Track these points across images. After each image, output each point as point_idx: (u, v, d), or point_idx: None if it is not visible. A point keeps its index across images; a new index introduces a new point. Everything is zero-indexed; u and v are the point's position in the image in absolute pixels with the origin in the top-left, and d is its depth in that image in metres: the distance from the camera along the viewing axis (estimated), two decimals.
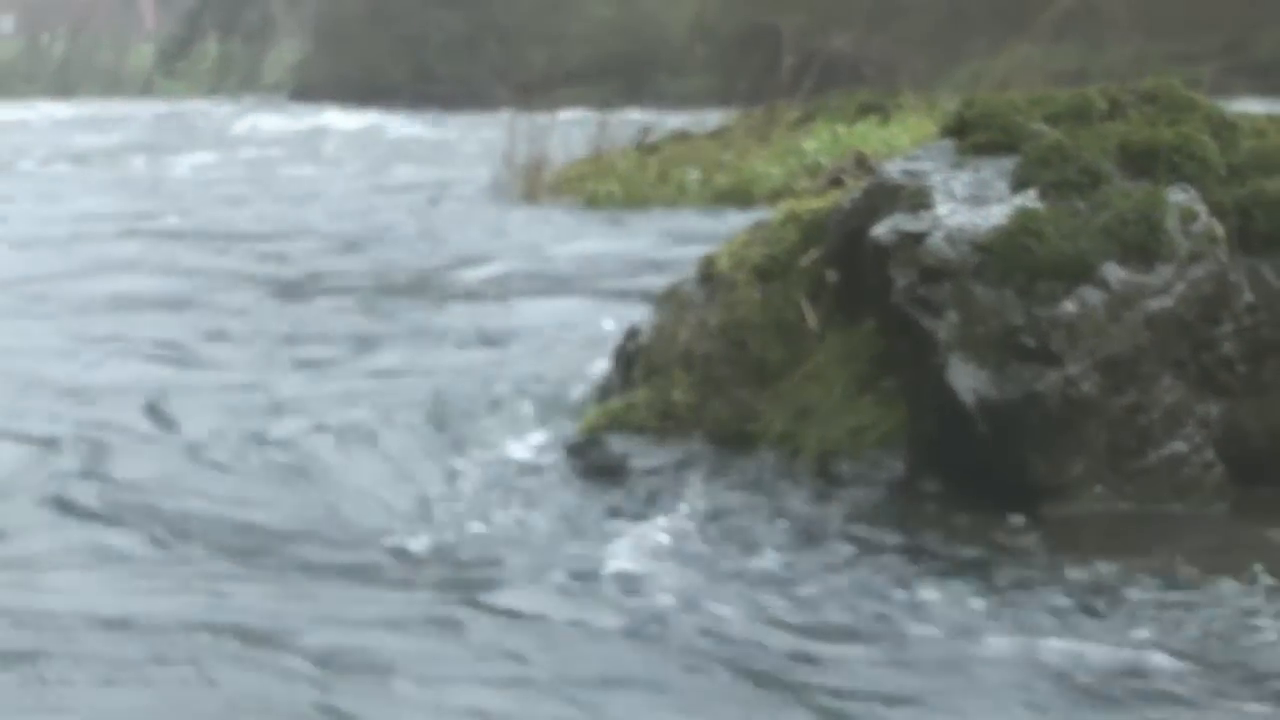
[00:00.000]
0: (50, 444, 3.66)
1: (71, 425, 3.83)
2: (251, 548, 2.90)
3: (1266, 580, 2.48)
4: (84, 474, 3.41)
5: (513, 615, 2.51)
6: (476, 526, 2.90)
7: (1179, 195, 2.89)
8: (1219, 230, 2.88)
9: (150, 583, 2.72)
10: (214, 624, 2.48)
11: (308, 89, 39.56)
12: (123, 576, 2.75)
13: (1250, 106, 3.31)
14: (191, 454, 3.54)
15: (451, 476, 3.22)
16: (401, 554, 2.79)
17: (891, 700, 2.17)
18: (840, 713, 2.15)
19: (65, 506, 3.17)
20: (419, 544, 2.83)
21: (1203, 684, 2.16)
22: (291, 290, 6.34)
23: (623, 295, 5.30)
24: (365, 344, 4.85)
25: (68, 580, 2.76)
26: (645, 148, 10.59)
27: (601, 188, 9.59)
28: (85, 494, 3.25)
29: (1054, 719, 2.12)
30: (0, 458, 3.54)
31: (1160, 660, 2.23)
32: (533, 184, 10.22)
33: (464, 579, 2.66)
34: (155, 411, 3.97)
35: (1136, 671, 2.21)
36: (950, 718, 2.15)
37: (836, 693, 2.19)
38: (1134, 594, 2.46)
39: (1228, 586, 2.47)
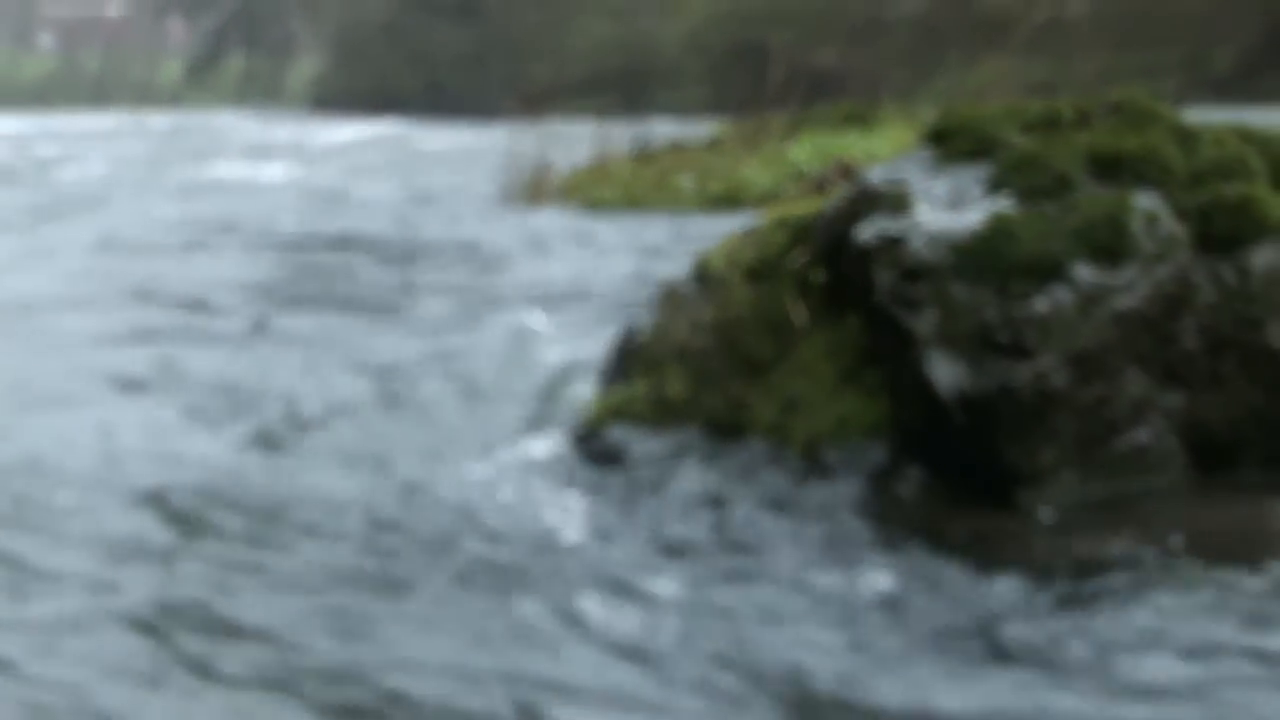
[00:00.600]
0: None
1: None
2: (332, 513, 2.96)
3: (1225, 556, 2.48)
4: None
5: (523, 572, 2.58)
6: (494, 506, 2.92)
7: (1143, 200, 2.90)
8: (1181, 233, 2.89)
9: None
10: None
11: (326, 101, 39.69)
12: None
13: (1210, 116, 3.33)
14: (250, 440, 3.53)
15: (472, 461, 3.24)
16: (433, 517, 2.85)
17: (844, 653, 2.22)
18: (792, 659, 2.21)
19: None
20: (440, 520, 2.86)
21: (1160, 657, 2.15)
22: (330, 289, 6.39)
23: (622, 293, 5.30)
24: (393, 341, 4.85)
25: None
26: (643, 156, 10.60)
27: (602, 193, 9.62)
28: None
29: (1008, 689, 2.13)
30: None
31: (1114, 633, 2.24)
32: (538, 189, 10.24)
33: (482, 547, 2.70)
34: (224, 396, 4.00)
35: (1096, 644, 2.21)
36: (904, 683, 2.17)
37: (797, 643, 2.26)
38: (1100, 573, 2.45)
39: (1190, 566, 2.46)
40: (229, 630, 2.40)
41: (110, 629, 2.39)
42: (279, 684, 2.20)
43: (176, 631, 2.38)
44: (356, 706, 2.16)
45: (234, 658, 2.29)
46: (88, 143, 21.53)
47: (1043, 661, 2.20)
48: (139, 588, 2.59)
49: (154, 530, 2.90)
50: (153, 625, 2.40)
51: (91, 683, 2.19)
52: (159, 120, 32.69)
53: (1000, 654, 2.24)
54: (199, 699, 2.13)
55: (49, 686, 2.17)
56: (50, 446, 3.57)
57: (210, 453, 3.49)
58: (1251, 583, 2.39)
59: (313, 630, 2.39)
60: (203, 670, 2.22)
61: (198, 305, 6.34)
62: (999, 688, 2.14)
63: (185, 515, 3.00)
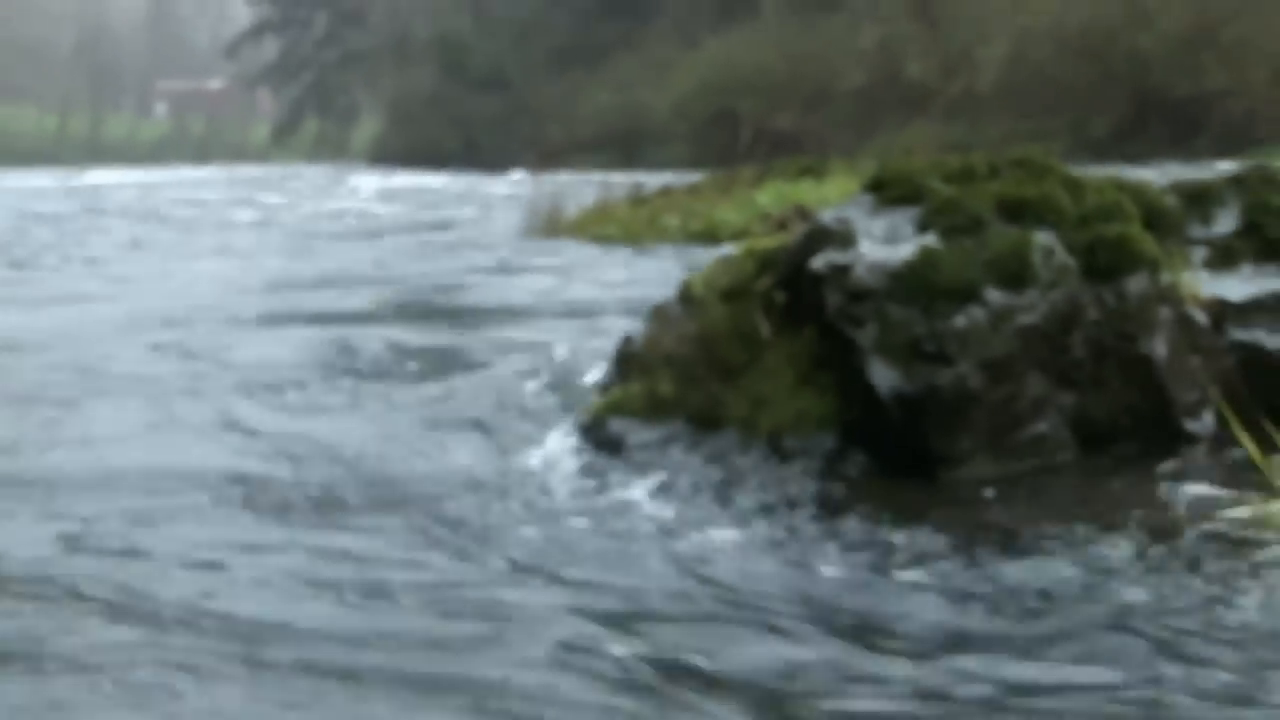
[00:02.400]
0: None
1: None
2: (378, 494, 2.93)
3: (1107, 523, 2.45)
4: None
5: (541, 535, 2.58)
6: (520, 481, 2.91)
7: (1042, 237, 2.89)
8: (1071, 264, 2.88)
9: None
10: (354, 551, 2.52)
11: (383, 157, 39.78)
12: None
13: (1090, 172, 3.35)
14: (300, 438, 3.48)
15: (500, 449, 3.22)
16: (463, 495, 2.84)
17: (793, 602, 2.19)
18: (749, 585, 2.25)
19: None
20: (464, 497, 2.83)
21: (1055, 611, 2.13)
22: (388, 303, 6.38)
23: (621, 310, 5.28)
24: (431, 351, 4.83)
25: None
26: (637, 200, 10.61)
27: (604, 230, 9.63)
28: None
29: (917, 608, 2.14)
30: None
31: (1011, 579, 2.23)
32: (553, 226, 10.25)
33: (512, 509, 2.70)
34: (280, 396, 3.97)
35: (1008, 594, 2.19)
36: (841, 601, 2.18)
37: (753, 576, 2.29)
38: (1007, 537, 2.43)
39: (1079, 529, 2.45)
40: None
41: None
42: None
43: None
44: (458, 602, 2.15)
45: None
46: (198, 188, 21.56)
47: (947, 592, 2.21)
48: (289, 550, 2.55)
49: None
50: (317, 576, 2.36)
51: None
52: (251, 172, 32.80)
53: (918, 585, 2.25)
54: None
55: None
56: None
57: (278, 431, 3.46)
58: (1124, 544, 2.37)
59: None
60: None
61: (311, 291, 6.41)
62: (909, 605, 2.17)
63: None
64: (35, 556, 2.49)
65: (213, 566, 2.43)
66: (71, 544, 2.59)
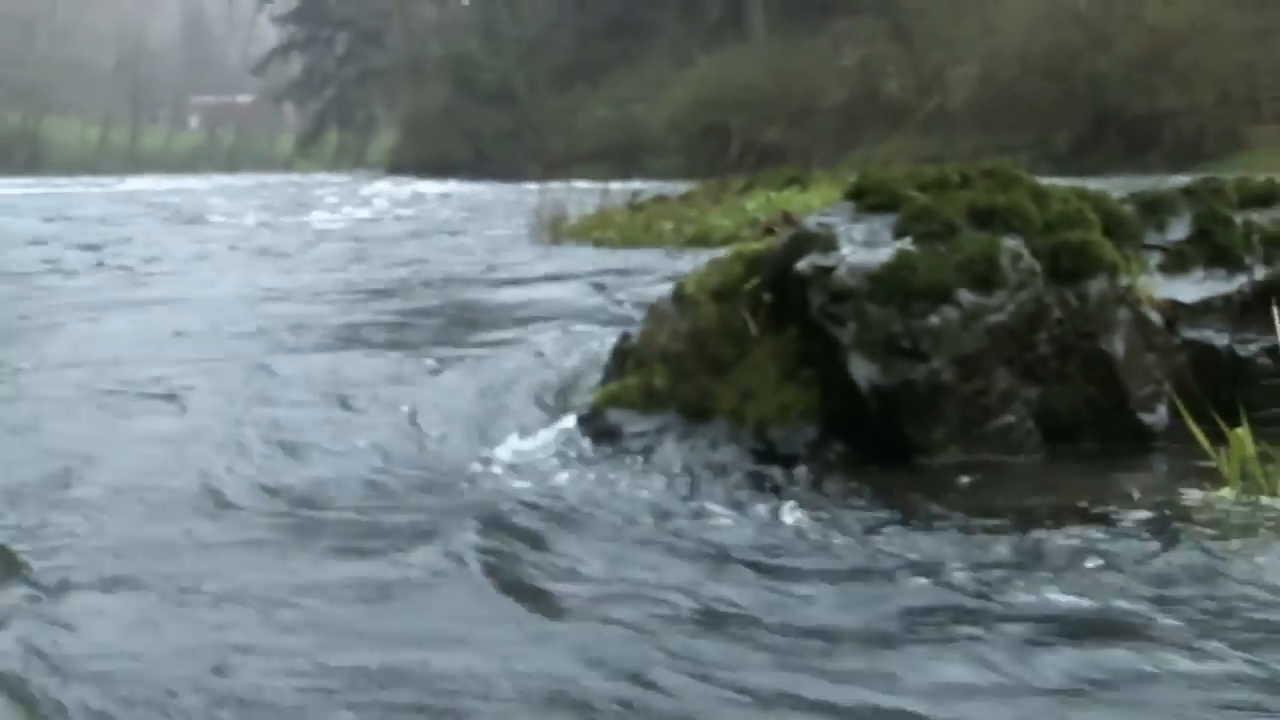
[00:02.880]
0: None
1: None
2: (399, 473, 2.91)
3: (1068, 507, 2.45)
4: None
5: (542, 510, 2.56)
6: (525, 467, 2.89)
7: (1010, 242, 2.87)
8: (1037, 267, 2.86)
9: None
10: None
11: (399, 166, 39.79)
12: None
13: (1054, 182, 3.35)
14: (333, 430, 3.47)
15: (507, 435, 3.19)
16: (478, 477, 2.83)
17: (775, 573, 2.19)
18: (731, 557, 2.24)
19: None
20: (474, 482, 2.82)
21: (1014, 587, 2.10)
22: (404, 300, 6.36)
23: (619, 308, 5.27)
24: (446, 346, 4.81)
25: None
26: (634, 207, 10.59)
27: (604, 234, 9.61)
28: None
29: (891, 590, 2.12)
30: None
31: (979, 556, 2.21)
32: (556, 231, 10.23)
33: (514, 496, 2.66)
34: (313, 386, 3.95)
35: (965, 563, 2.19)
36: (811, 572, 2.18)
37: (739, 565, 2.25)
38: (975, 519, 2.42)
39: (1040, 511, 2.44)
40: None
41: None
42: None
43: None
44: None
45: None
46: (233, 196, 21.50)
47: (915, 568, 2.20)
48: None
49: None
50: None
51: None
52: (278, 180, 32.78)
53: (891, 561, 2.24)
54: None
55: None
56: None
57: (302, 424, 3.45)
58: (1082, 526, 2.36)
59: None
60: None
61: (323, 297, 6.41)
62: (878, 578, 2.16)
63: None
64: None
65: (254, 542, 2.42)
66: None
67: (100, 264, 9.71)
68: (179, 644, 1.92)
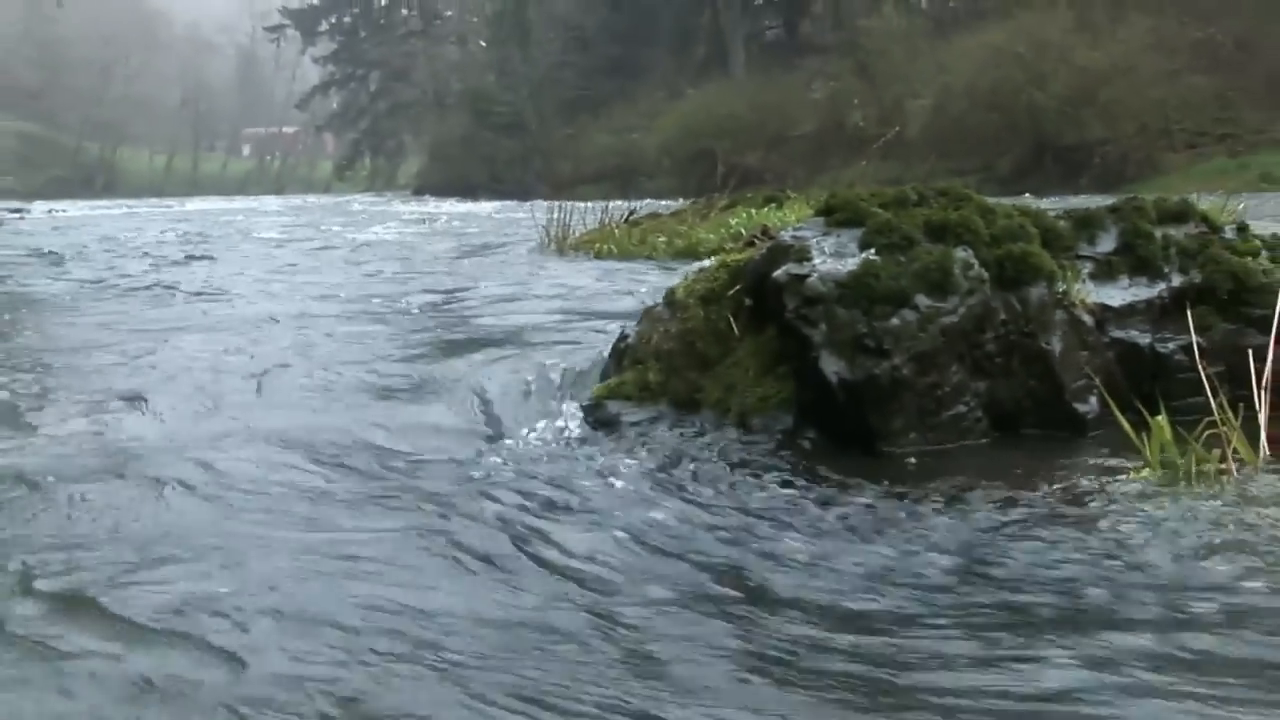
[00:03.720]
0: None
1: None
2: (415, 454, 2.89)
3: (1010, 486, 2.44)
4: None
5: (551, 483, 2.55)
6: (529, 451, 2.86)
7: (961, 253, 2.85)
8: (985, 275, 2.84)
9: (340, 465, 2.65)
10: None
11: (424, 188, 39.73)
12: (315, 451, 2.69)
13: (998, 201, 3.34)
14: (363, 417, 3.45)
15: (518, 424, 3.18)
16: (485, 465, 2.78)
17: (750, 544, 2.17)
18: (712, 529, 2.22)
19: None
20: (494, 460, 2.80)
21: (960, 555, 2.09)
22: (428, 303, 6.32)
23: (617, 311, 5.25)
24: (463, 345, 4.79)
25: None
26: (631, 223, 10.55)
27: (604, 247, 9.57)
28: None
29: (856, 551, 2.11)
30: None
31: (937, 536, 2.19)
32: (562, 243, 10.19)
33: (519, 480, 2.63)
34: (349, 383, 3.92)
35: (926, 540, 2.17)
36: (785, 543, 2.16)
37: (719, 536, 2.23)
38: (930, 496, 2.41)
39: (986, 490, 2.43)
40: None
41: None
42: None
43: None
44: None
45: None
46: (283, 214, 21.42)
47: (874, 537, 2.19)
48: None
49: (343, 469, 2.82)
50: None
51: None
52: (318, 200, 32.70)
53: (854, 533, 2.23)
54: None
55: None
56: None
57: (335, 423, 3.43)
58: (1024, 503, 2.35)
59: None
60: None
61: (366, 296, 6.42)
62: (843, 547, 2.14)
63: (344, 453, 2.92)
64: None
65: (276, 509, 2.40)
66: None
67: (190, 260, 10.21)
68: (287, 555, 1.91)
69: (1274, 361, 2.63)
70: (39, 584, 2.02)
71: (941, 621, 1.80)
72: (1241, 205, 4.00)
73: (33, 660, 1.72)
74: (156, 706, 1.58)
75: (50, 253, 11.55)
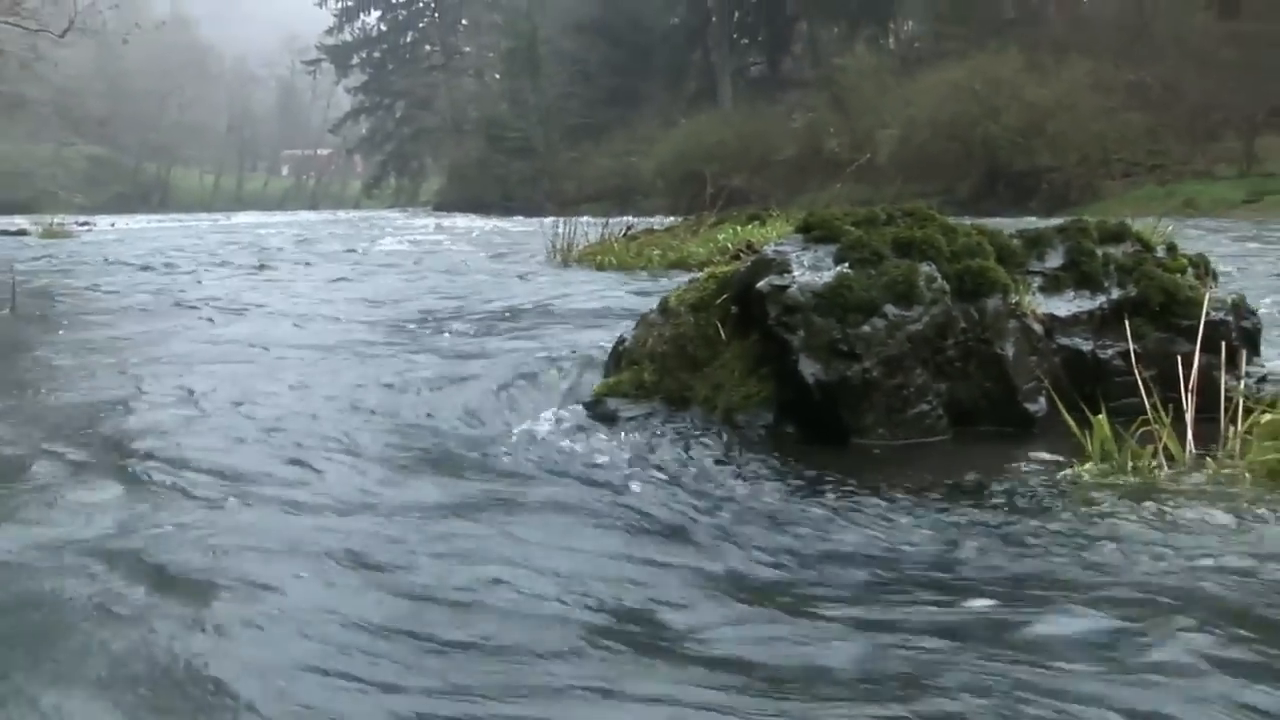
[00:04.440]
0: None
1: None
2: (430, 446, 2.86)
3: (967, 477, 2.43)
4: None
5: (553, 479, 2.51)
6: (538, 441, 2.86)
7: (925, 268, 2.84)
8: (946, 287, 2.83)
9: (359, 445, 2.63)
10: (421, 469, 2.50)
11: (443, 205, 39.65)
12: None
13: (958, 221, 3.33)
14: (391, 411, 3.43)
15: (525, 418, 3.16)
16: (499, 452, 2.78)
17: (731, 526, 2.15)
18: (700, 510, 2.19)
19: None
20: (504, 447, 2.79)
21: (921, 540, 2.09)
22: (443, 309, 6.31)
23: (615, 316, 5.23)
24: (476, 346, 4.76)
25: None
26: (628, 238, 10.52)
27: (604, 259, 9.53)
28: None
29: (831, 527, 2.11)
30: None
31: (900, 519, 2.18)
32: (566, 256, 10.16)
33: (529, 466, 2.63)
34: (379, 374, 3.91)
35: (889, 522, 2.16)
36: (769, 523, 2.15)
37: (705, 519, 2.22)
38: (896, 486, 2.40)
39: (946, 481, 2.42)
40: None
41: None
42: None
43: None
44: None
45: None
46: (318, 226, 21.35)
47: (843, 524, 2.17)
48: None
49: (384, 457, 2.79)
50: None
51: None
52: (348, 215, 32.71)
53: (827, 517, 2.22)
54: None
55: None
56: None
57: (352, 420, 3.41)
58: (979, 491, 2.34)
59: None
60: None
61: (391, 299, 6.43)
62: (817, 531, 2.14)
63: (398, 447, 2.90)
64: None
65: (297, 482, 2.39)
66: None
67: (261, 265, 10.33)
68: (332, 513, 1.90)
69: (1199, 367, 2.64)
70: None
71: (904, 594, 1.79)
72: (1170, 228, 4.00)
73: None
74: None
75: (116, 261, 11.54)
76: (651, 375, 3.01)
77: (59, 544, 2.03)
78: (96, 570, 1.90)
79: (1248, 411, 2.45)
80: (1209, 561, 1.86)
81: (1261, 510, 2.10)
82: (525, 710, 1.43)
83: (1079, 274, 3.15)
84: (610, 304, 6.32)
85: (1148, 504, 2.17)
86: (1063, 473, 2.43)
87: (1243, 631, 1.56)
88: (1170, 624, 1.59)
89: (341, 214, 36.64)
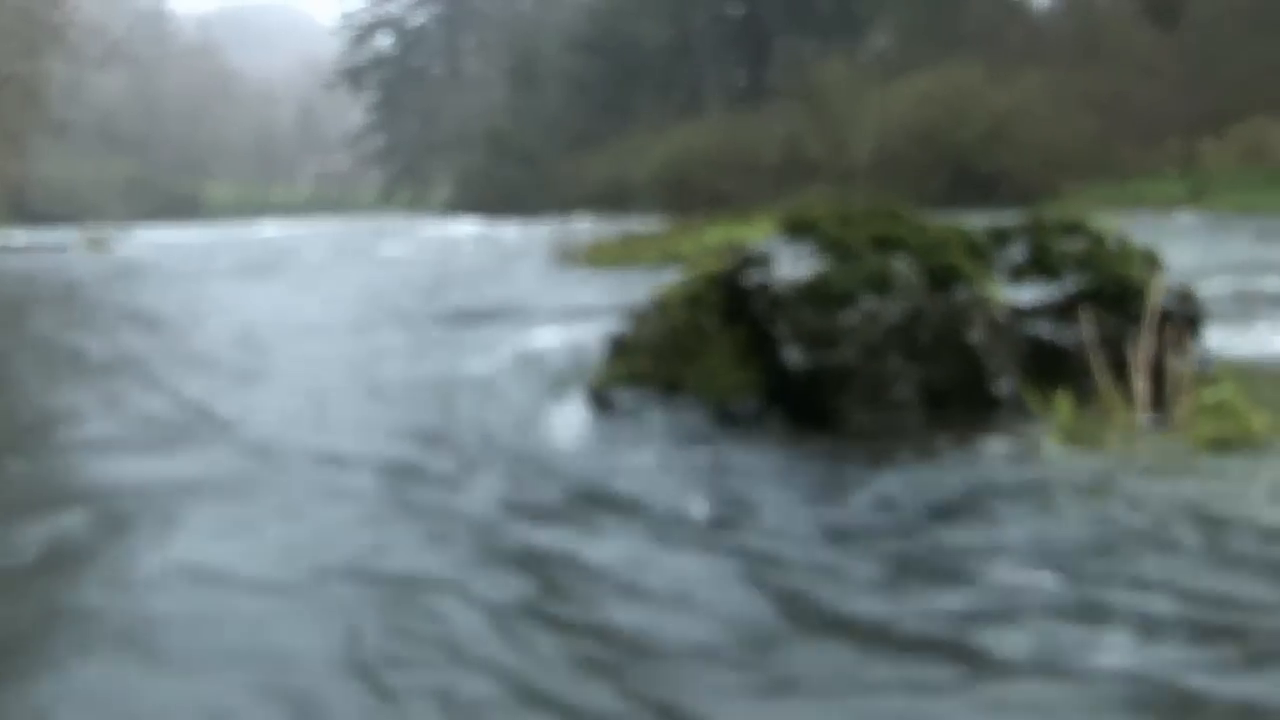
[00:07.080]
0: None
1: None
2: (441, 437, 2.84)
3: (940, 455, 2.43)
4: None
5: (558, 457, 2.53)
6: (543, 424, 2.85)
7: (899, 262, 2.83)
8: (919, 280, 2.82)
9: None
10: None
11: (453, 209, 39.56)
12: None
13: (929, 219, 3.32)
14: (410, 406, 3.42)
15: (531, 404, 3.16)
16: (515, 428, 2.81)
17: (722, 499, 2.14)
18: (693, 484, 2.20)
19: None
20: (516, 433, 2.79)
21: (894, 509, 2.10)
22: (457, 305, 6.29)
23: (614, 310, 5.22)
24: (488, 336, 4.76)
25: None
26: (625, 238, 10.52)
27: (602, 258, 9.53)
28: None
29: (822, 501, 2.11)
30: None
31: (878, 493, 2.18)
32: (568, 256, 10.15)
33: (533, 446, 2.63)
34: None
35: (870, 496, 2.16)
36: (756, 497, 2.15)
37: (696, 492, 2.23)
38: (873, 463, 2.40)
39: (920, 458, 2.43)
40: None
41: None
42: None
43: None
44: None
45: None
46: (338, 231, 21.28)
47: (827, 496, 2.16)
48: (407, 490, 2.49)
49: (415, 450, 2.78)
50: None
51: None
52: (365, 221, 32.70)
53: (811, 492, 2.22)
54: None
55: None
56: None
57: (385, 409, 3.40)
58: (952, 466, 2.35)
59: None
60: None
61: (407, 290, 6.40)
62: (800, 501, 2.11)
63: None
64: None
65: (336, 460, 2.38)
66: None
67: (287, 266, 10.61)
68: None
69: (1146, 350, 2.65)
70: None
71: (879, 550, 1.80)
72: (1121, 222, 4.02)
73: None
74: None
75: (153, 265, 11.50)
76: (647, 364, 3.00)
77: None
78: None
79: (1193, 388, 2.47)
80: (1139, 519, 1.90)
81: (1193, 478, 2.13)
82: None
83: (1040, 267, 3.14)
84: (606, 300, 6.31)
85: (1103, 470, 2.21)
86: (1026, 446, 2.44)
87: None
88: (1112, 562, 1.61)
89: (359, 220, 36.63)
